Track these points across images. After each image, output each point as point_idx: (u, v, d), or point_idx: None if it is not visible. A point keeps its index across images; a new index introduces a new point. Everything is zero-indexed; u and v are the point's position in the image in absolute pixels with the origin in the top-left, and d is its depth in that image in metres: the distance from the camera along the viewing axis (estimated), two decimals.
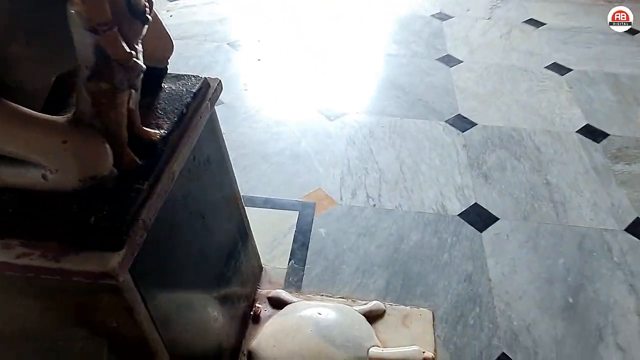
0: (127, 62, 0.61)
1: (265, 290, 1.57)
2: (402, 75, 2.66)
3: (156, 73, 0.91)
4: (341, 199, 1.90)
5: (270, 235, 1.75)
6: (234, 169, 2.02)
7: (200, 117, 0.95)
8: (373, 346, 1.36)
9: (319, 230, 1.77)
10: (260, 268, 1.61)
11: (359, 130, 2.25)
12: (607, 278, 1.62)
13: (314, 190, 1.93)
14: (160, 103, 0.90)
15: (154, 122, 0.85)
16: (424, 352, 1.34)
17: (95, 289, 0.73)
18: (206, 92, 0.99)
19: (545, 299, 1.56)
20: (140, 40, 0.66)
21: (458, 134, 2.24)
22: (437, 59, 2.81)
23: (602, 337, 1.46)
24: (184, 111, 0.90)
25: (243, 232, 1.39)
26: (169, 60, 0.92)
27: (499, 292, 1.58)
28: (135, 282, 0.76)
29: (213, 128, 1.08)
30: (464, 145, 2.17)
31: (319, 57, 2.85)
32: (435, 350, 1.42)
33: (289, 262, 1.66)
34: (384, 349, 1.36)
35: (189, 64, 2.67)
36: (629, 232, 1.78)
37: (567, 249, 1.71)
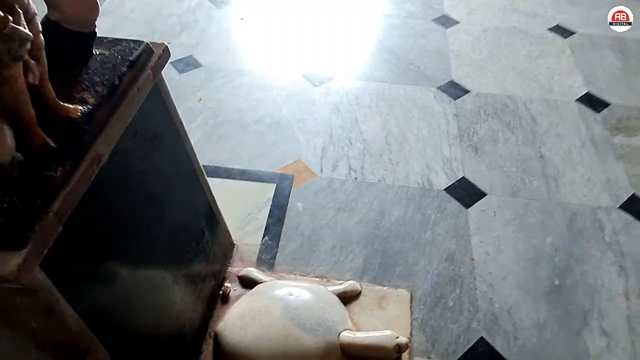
0: (1, 29, 0.49)
1: (236, 268, 1.50)
2: (394, 38, 2.50)
3: (82, 38, 0.79)
4: (321, 171, 1.80)
5: (245, 209, 1.67)
6: (209, 137, 1.94)
7: (139, 89, 0.84)
8: (345, 330, 1.30)
9: (296, 205, 1.68)
10: (232, 245, 1.54)
11: (345, 97, 2.12)
12: (597, 259, 1.54)
13: (293, 162, 1.83)
14: (88, 73, 0.79)
15: (77, 96, 0.74)
16: (397, 337, 1.27)
17: (5, 291, 0.64)
18: (147, 59, 0.87)
19: (529, 280, 1.48)
20: (27, 2, 0.55)
21: (450, 102, 2.11)
22: (432, 20, 2.64)
23: (587, 322, 1.39)
24: (116, 82, 0.79)
25: (207, 210, 1.30)
26: (96, 24, 0.79)
27: (481, 272, 1.50)
28: (54, 280, 0.68)
29: (161, 100, 0.96)
30: (454, 115, 2.05)
31: (307, 17, 2.67)
32: (410, 334, 1.36)
33: (262, 239, 1.58)
34: (356, 333, 1.30)
35: (167, 22, 2.51)
36: (623, 209, 1.69)
37: (556, 227, 1.63)
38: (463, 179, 1.78)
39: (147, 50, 0.88)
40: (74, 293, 0.73)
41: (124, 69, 0.81)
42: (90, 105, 0.73)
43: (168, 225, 1.06)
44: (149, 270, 1.00)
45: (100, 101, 0.75)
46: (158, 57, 0.90)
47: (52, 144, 0.66)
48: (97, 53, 0.83)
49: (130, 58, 0.83)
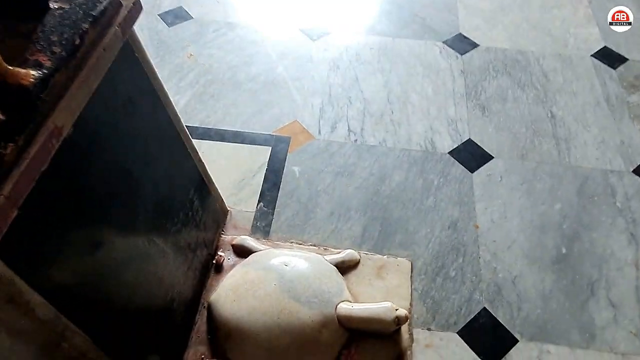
0: None
1: (230, 236, 1.44)
2: None
3: None
4: (319, 132, 1.70)
5: (238, 173, 1.59)
6: (200, 96, 1.83)
7: (105, 49, 0.73)
8: (343, 301, 1.25)
9: (292, 169, 1.60)
10: (225, 212, 1.47)
11: (345, 53, 1.99)
12: (607, 226, 1.47)
13: (289, 123, 1.73)
14: (44, 32, 0.68)
15: (30, 58, 0.64)
16: (396, 310, 1.23)
17: None
18: (114, 14, 0.76)
19: (535, 249, 1.42)
20: None
21: (457, 57, 1.98)
22: None
23: (594, 292, 1.34)
24: (77, 42, 0.68)
25: (196, 177, 1.22)
26: None
27: (485, 241, 1.44)
28: (15, 268, 0.61)
29: (134, 60, 0.86)
30: (461, 71, 1.92)
31: None
32: (410, 305, 1.31)
33: (257, 205, 1.51)
34: (353, 304, 1.25)
35: None
36: (636, 173, 1.60)
37: (566, 192, 1.55)
38: (469, 141, 1.68)
39: (114, 3, 0.77)
40: (41, 279, 0.67)
41: (86, 25, 0.70)
42: (46, 69, 0.63)
43: (151, 197, 0.98)
44: (130, 246, 0.93)
45: (58, 64, 0.65)
46: (128, 11, 0.79)
47: (1, 116, 0.58)
48: (55, 7, 0.72)
49: (94, 13, 0.72)
